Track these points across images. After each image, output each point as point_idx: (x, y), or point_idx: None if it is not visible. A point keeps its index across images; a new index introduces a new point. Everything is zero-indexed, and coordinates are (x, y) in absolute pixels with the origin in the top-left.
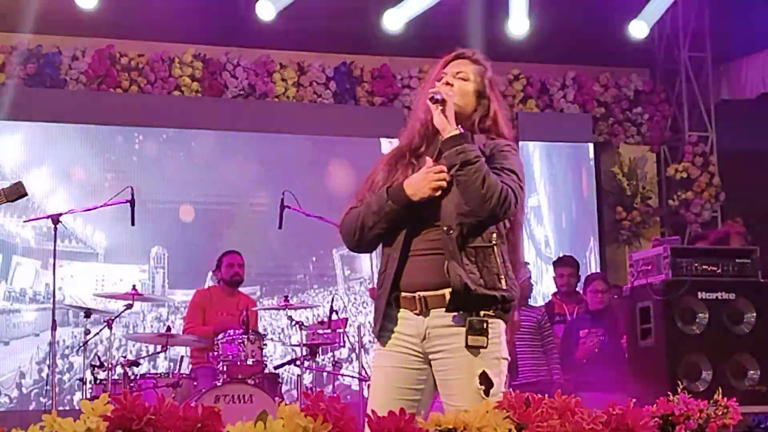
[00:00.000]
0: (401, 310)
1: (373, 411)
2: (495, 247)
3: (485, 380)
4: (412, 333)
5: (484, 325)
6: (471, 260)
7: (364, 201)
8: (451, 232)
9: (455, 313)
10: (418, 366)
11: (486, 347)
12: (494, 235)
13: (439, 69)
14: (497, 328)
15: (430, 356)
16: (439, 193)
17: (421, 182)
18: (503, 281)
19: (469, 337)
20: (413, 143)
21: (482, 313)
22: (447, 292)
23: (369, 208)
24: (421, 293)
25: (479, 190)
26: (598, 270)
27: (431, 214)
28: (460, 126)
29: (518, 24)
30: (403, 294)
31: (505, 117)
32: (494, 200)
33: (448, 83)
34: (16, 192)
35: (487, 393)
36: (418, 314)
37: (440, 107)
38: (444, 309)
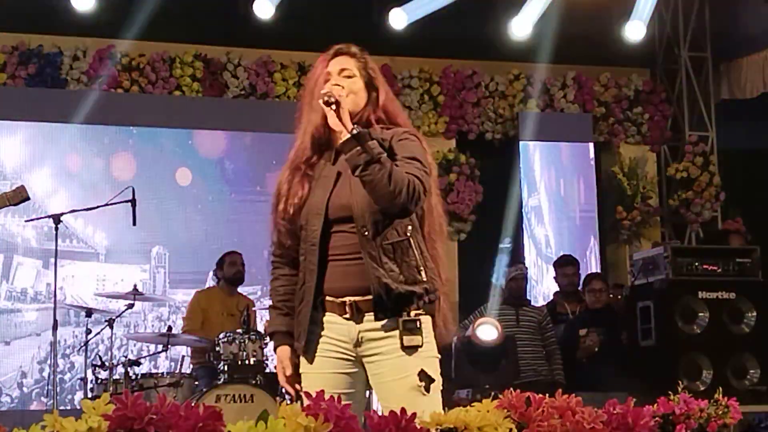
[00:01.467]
0: (328, 314)
1: (373, 410)
2: (411, 240)
3: (425, 377)
4: (344, 338)
5: (417, 324)
6: (390, 257)
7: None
8: (366, 232)
9: (383, 316)
10: (349, 369)
11: (422, 346)
12: (409, 227)
13: (320, 69)
14: (428, 325)
15: (365, 360)
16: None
17: None
18: (422, 273)
19: (405, 337)
20: (305, 154)
21: (413, 312)
22: (370, 296)
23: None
24: (351, 298)
25: (387, 187)
26: (599, 270)
27: (343, 216)
28: (356, 125)
29: (521, 26)
30: (329, 299)
31: (395, 104)
32: (403, 194)
33: (337, 84)
34: (19, 196)
35: (427, 389)
36: (348, 319)
37: (334, 109)
38: (372, 313)
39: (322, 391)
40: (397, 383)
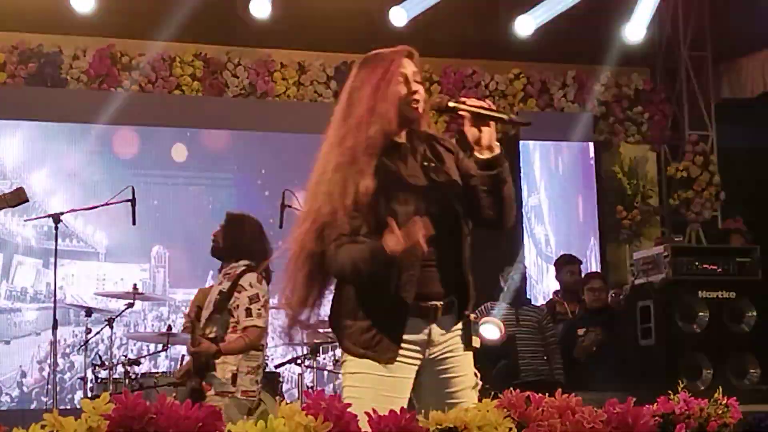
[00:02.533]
0: (408, 320)
1: (373, 410)
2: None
3: (476, 376)
4: (418, 339)
5: (476, 325)
6: (464, 260)
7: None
8: (456, 234)
9: (455, 317)
10: (410, 374)
11: (478, 347)
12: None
13: (394, 66)
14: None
15: (439, 359)
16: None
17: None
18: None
19: (473, 337)
20: (378, 145)
21: (471, 315)
22: (454, 298)
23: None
24: (436, 302)
25: (513, 202)
26: (599, 269)
27: (445, 225)
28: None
29: (524, 24)
30: (418, 304)
31: None
32: (513, 211)
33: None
34: (18, 198)
35: (478, 386)
36: (430, 322)
37: (478, 122)
38: (454, 315)
39: (322, 390)
40: (463, 380)
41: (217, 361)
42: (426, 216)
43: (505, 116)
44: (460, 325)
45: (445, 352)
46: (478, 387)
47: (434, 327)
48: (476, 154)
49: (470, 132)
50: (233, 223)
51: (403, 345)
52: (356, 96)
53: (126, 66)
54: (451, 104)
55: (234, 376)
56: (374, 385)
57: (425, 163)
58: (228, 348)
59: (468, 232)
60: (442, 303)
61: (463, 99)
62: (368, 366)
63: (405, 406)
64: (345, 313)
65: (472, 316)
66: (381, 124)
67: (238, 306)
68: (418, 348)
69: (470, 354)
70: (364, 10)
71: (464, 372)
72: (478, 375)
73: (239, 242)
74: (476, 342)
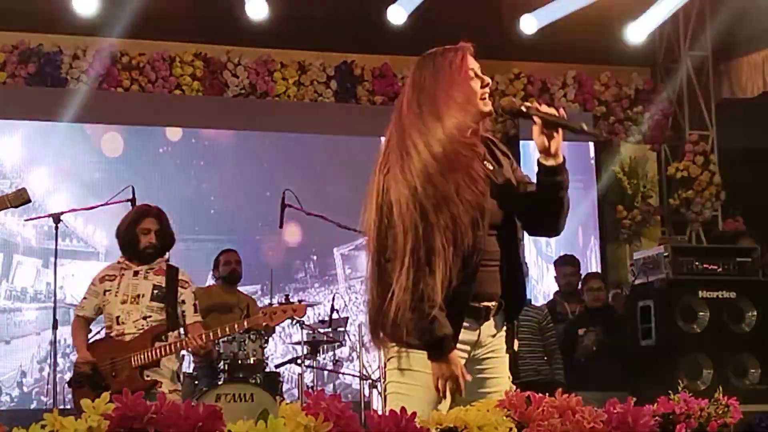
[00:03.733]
0: (465, 319)
1: (373, 410)
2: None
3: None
4: (468, 340)
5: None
6: (517, 265)
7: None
8: (511, 237)
9: (504, 319)
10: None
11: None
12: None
13: (464, 62)
14: None
15: (481, 359)
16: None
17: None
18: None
19: (515, 341)
20: (470, 127)
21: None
22: (502, 301)
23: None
24: (489, 303)
25: (568, 209)
26: (599, 269)
27: (494, 223)
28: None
29: (529, 22)
30: (472, 305)
31: None
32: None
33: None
34: (20, 198)
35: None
36: (481, 323)
37: (548, 127)
38: (502, 317)
39: (323, 390)
40: (502, 381)
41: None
42: (487, 216)
43: (577, 126)
44: (505, 328)
45: (488, 353)
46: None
47: (484, 327)
48: (542, 160)
49: (539, 138)
50: (165, 217)
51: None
52: (428, 95)
53: (126, 65)
54: (524, 108)
55: (177, 373)
56: (426, 383)
57: (486, 164)
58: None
59: (522, 236)
60: (494, 304)
61: (535, 104)
62: (422, 363)
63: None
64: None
65: None
66: (465, 119)
67: (184, 301)
68: (467, 347)
69: (508, 356)
70: (363, 9)
71: (501, 374)
72: (512, 376)
73: (171, 236)
74: (517, 345)
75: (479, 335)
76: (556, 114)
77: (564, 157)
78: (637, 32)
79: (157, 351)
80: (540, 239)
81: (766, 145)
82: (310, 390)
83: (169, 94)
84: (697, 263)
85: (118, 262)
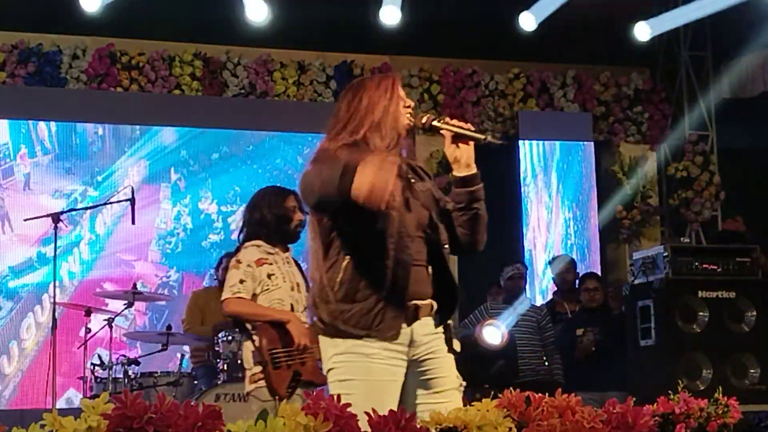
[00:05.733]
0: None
1: (373, 409)
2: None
3: (459, 378)
4: (404, 341)
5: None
6: (447, 269)
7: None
8: (446, 245)
9: (438, 319)
10: (399, 377)
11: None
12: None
13: (395, 91)
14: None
15: (419, 358)
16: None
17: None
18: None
19: (454, 340)
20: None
21: (449, 321)
22: (433, 301)
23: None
24: (420, 302)
25: (486, 223)
26: (599, 269)
27: (422, 225)
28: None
29: (528, 19)
30: (405, 303)
31: None
32: (485, 235)
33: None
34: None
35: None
36: (413, 322)
37: (459, 140)
38: (429, 317)
39: (322, 390)
40: (448, 380)
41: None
42: (411, 225)
43: (482, 136)
44: (442, 328)
45: (428, 354)
46: (461, 388)
47: (417, 327)
48: (455, 172)
49: (449, 150)
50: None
51: (395, 349)
52: (361, 115)
53: (126, 65)
54: (435, 123)
55: None
56: (366, 377)
57: (409, 177)
58: None
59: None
60: (426, 303)
61: (446, 118)
62: (363, 358)
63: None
64: (340, 300)
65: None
66: (391, 136)
67: None
68: (404, 348)
69: (452, 356)
70: (363, 9)
71: (446, 374)
72: (461, 377)
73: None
74: (457, 345)
75: (412, 335)
76: (464, 126)
77: (477, 169)
78: (645, 31)
79: None
80: (540, 239)
81: (766, 145)
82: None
83: (169, 93)
84: (696, 263)
85: (258, 246)
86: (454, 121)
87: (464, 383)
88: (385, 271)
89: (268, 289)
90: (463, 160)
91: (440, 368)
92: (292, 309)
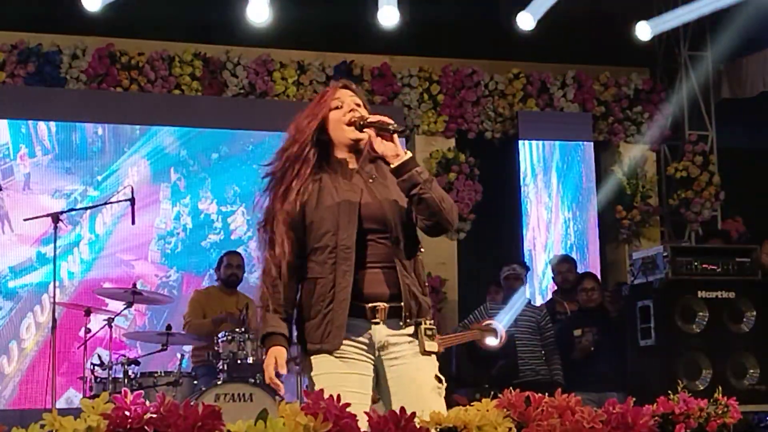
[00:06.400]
0: (352, 318)
1: (373, 409)
2: (420, 256)
3: (439, 380)
4: (365, 341)
5: (435, 331)
6: (412, 269)
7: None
8: (400, 243)
9: (410, 321)
10: (367, 372)
11: (436, 352)
12: (419, 244)
13: (329, 97)
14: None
15: (385, 362)
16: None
17: None
18: (425, 288)
19: (426, 342)
20: (309, 166)
21: (428, 321)
22: (400, 303)
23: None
24: (377, 304)
25: (441, 203)
26: (599, 269)
27: (375, 227)
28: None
29: (527, 19)
30: (357, 303)
31: None
32: (452, 211)
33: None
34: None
35: (442, 390)
36: (377, 324)
37: (380, 134)
38: (399, 319)
39: (322, 390)
40: (419, 384)
41: None
42: (365, 227)
43: (391, 127)
44: (410, 330)
45: (396, 356)
46: (440, 390)
47: (378, 329)
48: (390, 166)
49: (378, 146)
50: None
51: (351, 343)
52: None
53: (125, 65)
54: (361, 123)
55: None
56: (340, 383)
57: (371, 180)
58: None
59: (417, 245)
60: (384, 305)
61: (371, 117)
62: (328, 365)
63: (369, 402)
64: (303, 318)
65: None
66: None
67: None
68: (365, 348)
69: (428, 358)
70: (362, 9)
71: (418, 376)
72: (442, 378)
73: None
74: (432, 347)
75: (372, 336)
76: (378, 119)
77: (410, 155)
78: (646, 30)
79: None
80: (539, 239)
81: (765, 145)
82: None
83: (169, 93)
84: (696, 263)
85: None
86: (372, 117)
87: (442, 385)
88: (332, 285)
89: None
90: (390, 153)
91: (408, 370)
92: None
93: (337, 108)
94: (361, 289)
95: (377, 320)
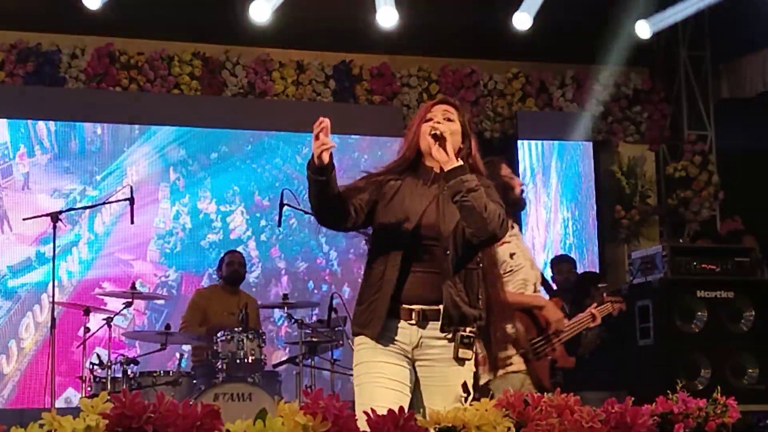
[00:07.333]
0: (396, 320)
1: (372, 409)
2: (477, 271)
3: (466, 389)
4: (406, 341)
5: (471, 340)
6: (461, 280)
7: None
8: (448, 252)
9: (447, 327)
10: (408, 366)
11: (470, 360)
12: (478, 260)
13: (425, 111)
14: (476, 344)
15: (418, 363)
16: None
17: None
18: (480, 301)
19: (460, 350)
20: (400, 168)
21: (468, 329)
22: (441, 307)
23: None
24: (420, 306)
25: (482, 213)
26: (598, 269)
27: (430, 234)
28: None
29: (522, 18)
30: (403, 306)
31: (479, 156)
32: (495, 222)
33: (440, 123)
34: None
35: (465, 400)
36: (413, 325)
37: (439, 143)
38: (438, 322)
39: (321, 389)
40: (444, 390)
41: None
42: (421, 233)
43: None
44: (449, 336)
45: (428, 360)
46: (463, 400)
47: (418, 331)
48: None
49: (434, 153)
50: None
51: (390, 339)
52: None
53: (125, 65)
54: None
55: None
56: (378, 371)
57: (445, 190)
58: None
59: (471, 259)
60: (420, 308)
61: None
62: (368, 354)
63: (408, 393)
64: (358, 302)
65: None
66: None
67: None
68: (403, 345)
69: (460, 367)
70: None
71: (447, 383)
72: (469, 385)
73: None
74: (465, 354)
75: (412, 336)
76: (442, 130)
77: (456, 164)
78: (645, 29)
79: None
80: (539, 238)
81: (764, 145)
82: (308, 389)
83: (168, 93)
84: (695, 263)
85: None
86: (440, 127)
87: (465, 395)
88: (381, 276)
89: (511, 270)
90: (443, 159)
91: (437, 375)
92: (535, 288)
93: (428, 120)
94: (405, 288)
95: (412, 321)
